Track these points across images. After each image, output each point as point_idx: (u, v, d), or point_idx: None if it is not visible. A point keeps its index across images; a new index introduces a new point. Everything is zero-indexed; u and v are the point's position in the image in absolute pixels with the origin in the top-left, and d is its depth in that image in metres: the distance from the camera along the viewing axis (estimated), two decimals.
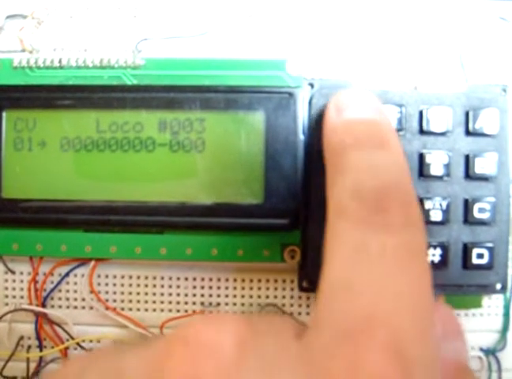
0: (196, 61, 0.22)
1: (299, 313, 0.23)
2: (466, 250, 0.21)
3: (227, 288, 0.23)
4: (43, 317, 0.23)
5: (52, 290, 0.23)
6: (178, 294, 0.23)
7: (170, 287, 0.23)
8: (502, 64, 0.23)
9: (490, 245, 0.21)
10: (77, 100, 0.21)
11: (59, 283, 0.23)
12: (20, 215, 0.22)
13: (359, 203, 0.13)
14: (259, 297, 0.23)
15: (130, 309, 0.23)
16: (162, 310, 0.23)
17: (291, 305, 0.23)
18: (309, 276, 0.21)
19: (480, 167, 0.21)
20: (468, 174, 0.21)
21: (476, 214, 0.21)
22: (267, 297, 0.23)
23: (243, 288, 0.23)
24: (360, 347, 0.11)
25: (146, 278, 0.23)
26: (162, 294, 0.23)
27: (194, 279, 0.23)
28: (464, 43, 0.23)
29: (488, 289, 0.21)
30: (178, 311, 0.23)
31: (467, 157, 0.21)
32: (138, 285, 0.23)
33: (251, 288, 0.23)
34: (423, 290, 0.13)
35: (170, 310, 0.23)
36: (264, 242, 0.22)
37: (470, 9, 0.23)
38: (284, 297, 0.23)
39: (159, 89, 0.21)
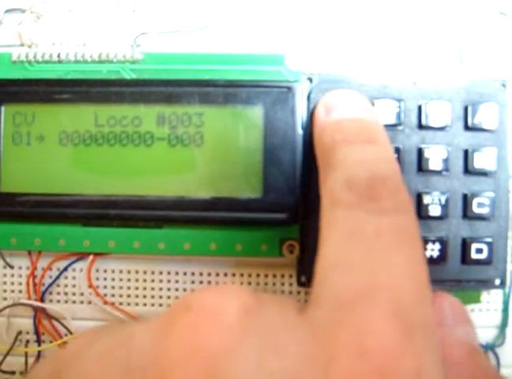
0: (195, 56, 0.22)
1: None
2: (465, 245, 0.21)
3: (225, 283, 0.23)
4: (42, 311, 0.23)
5: (50, 284, 0.23)
6: (177, 289, 0.23)
7: (168, 281, 0.23)
8: (502, 59, 0.23)
9: (489, 240, 0.21)
10: (76, 94, 0.21)
11: (58, 277, 0.23)
12: (18, 210, 0.22)
13: (352, 192, 0.14)
14: (257, 291, 0.23)
15: (129, 304, 0.23)
16: (160, 305, 0.23)
17: None
18: (307, 271, 0.21)
19: (478, 162, 0.21)
20: (467, 169, 0.21)
21: (475, 209, 0.21)
22: (265, 291, 0.23)
23: (242, 283, 0.23)
24: (364, 314, 0.11)
25: (145, 272, 0.23)
26: (160, 289, 0.23)
27: (193, 273, 0.23)
28: (463, 37, 0.23)
29: (487, 284, 0.21)
30: None
31: (466, 152, 0.21)
32: (137, 280, 0.23)
33: (249, 283, 0.23)
34: (419, 263, 0.13)
35: (169, 305, 0.23)
36: (262, 237, 0.22)
37: (469, 3, 0.23)
38: (282, 292, 0.23)
39: (157, 83, 0.21)
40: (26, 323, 0.23)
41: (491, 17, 0.23)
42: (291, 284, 0.23)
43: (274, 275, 0.23)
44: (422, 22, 0.23)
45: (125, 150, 0.21)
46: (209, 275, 0.23)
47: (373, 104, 0.21)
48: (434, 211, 0.21)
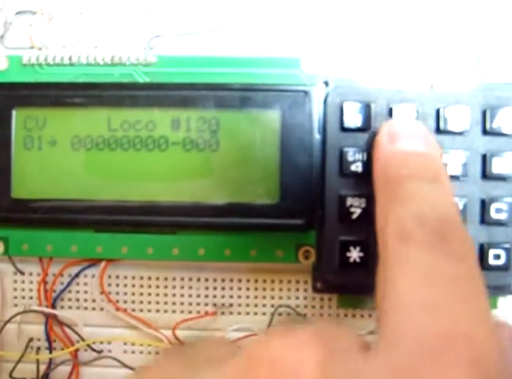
0: (209, 59, 0.22)
1: (313, 315, 0.23)
2: (483, 251, 0.21)
3: (239, 289, 0.23)
4: (53, 318, 0.23)
5: (62, 291, 0.23)
6: (191, 295, 0.23)
7: (182, 287, 0.23)
8: None
9: (507, 246, 0.21)
10: (89, 98, 0.21)
11: (69, 283, 0.23)
12: (30, 216, 0.21)
13: (423, 230, 0.14)
14: (272, 298, 0.23)
15: (141, 311, 0.23)
16: (174, 311, 0.23)
17: (305, 306, 0.23)
18: (323, 277, 0.21)
19: (497, 167, 0.21)
20: (486, 174, 0.21)
21: (493, 214, 0.21)
22: (280, 298, 0.23)
23: (256, 289, 0.23)
24: (446, 364, 0.11)
25: (158, 279, 0.23)
26: (174, 295, 0.23)
27: (207, 279, 0.23)
28: (480, 40, 0.22)
29: (504, 290, 0.21)
30: (190, 312, 0.23)
31: (484, 157, 0.21)
32: (150, 286, 0.23)
33: (264, 289, 0.23)
34: (490, 312, 0.13)
35: (182, 311, 0.23)
36: (278, 243, 0.21)
37: (486, 5, 0.22)
38: (297, 298, 0.23)
39: (172, 87, 0.21)
40: (37, 330, 0.23)
41: (508, 20, 0.22)
42: (306, 290, 0.23)
43: (289, 281, 0.23)
44: (439, 25, 0.22)
45: (139, 155, 0.21)
46: (223, 281, 0.23)
47: (390, 109, 0.20)
48: None
